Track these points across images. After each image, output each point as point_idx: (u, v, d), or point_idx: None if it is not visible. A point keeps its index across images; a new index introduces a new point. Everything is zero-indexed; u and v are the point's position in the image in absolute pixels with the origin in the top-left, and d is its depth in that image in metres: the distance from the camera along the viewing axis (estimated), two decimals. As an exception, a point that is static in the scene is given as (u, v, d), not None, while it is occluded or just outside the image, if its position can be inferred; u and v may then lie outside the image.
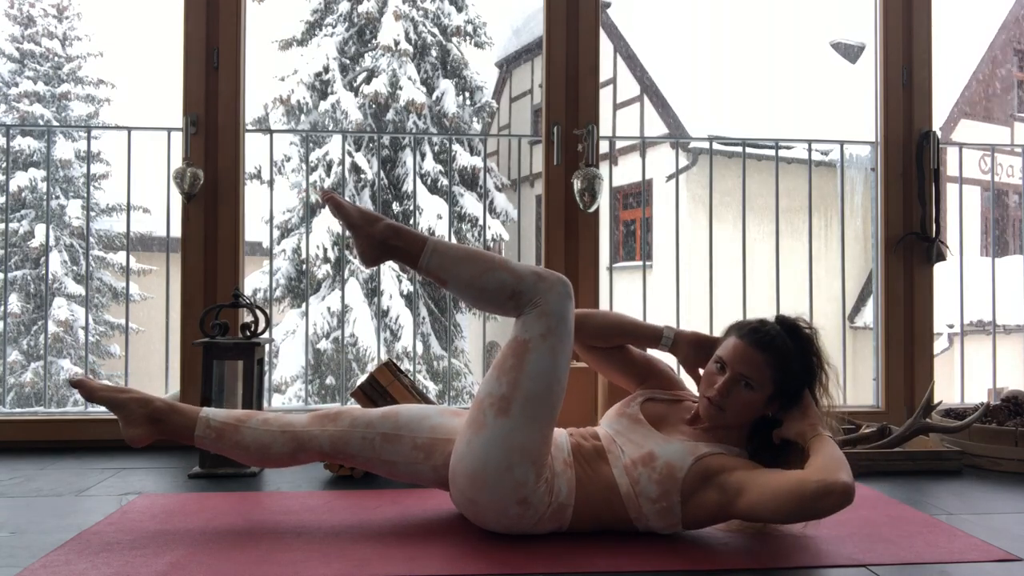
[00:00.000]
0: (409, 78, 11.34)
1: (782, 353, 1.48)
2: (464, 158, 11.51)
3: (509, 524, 1.43)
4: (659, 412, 1.56)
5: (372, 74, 11.47)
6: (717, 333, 2.81)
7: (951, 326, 8.37)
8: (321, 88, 11.48)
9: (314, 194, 10.84)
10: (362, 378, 1.98)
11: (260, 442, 1.53)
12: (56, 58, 13.06)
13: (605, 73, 5.49)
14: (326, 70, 11.43)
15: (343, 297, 3.24)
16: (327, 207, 1.56)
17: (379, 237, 1.52)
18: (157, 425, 1.54)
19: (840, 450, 1.39)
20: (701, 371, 1.59)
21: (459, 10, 12.19)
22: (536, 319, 1.44)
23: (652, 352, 1.76)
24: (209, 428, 1.53)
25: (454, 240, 10.57)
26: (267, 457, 1.54)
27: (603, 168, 2.51)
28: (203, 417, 1.54)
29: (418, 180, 11.23)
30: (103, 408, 2.44)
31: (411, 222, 10.47)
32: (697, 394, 1.57)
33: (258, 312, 2.06)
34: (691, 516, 1.43)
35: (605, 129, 4.84)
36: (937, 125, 2.67)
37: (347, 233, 1.56)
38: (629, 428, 1.53)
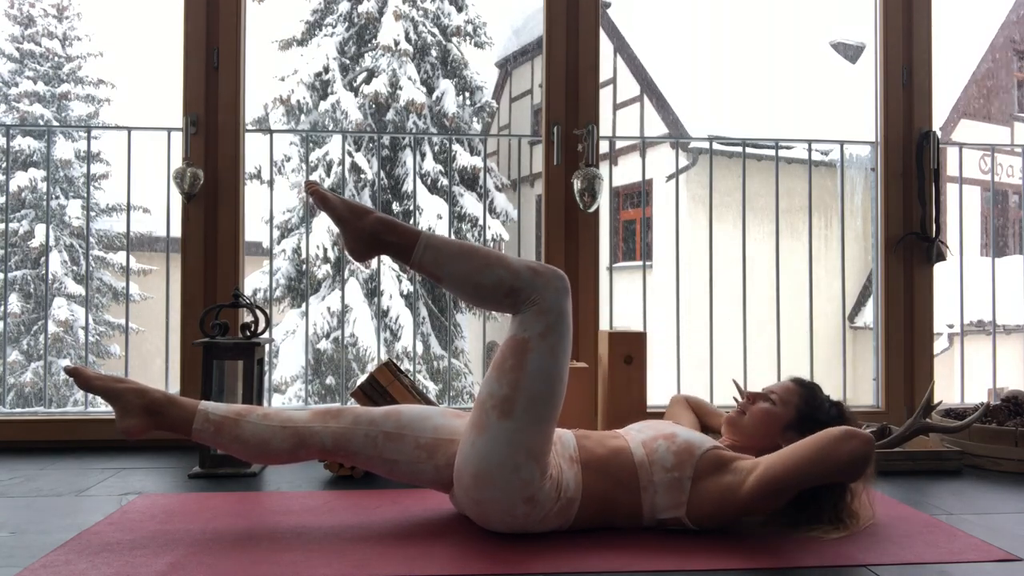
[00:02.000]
0: (409, 78, 11.34)
1: (815, 396, 1.63)
2: (464, 158, 11.51)
3: (514, 523, 1.43)
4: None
5: (372, 74, 11.47)
6: (717, 332, 2.81)
7: (951, 326, 8.37)
8: (321, 88, 11.48)
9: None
10: (362, 378, 1.97)
11: (260, 437, 1.50)
12: (56, 58, 13.06)
13: (605, 73, 5.49)
14: (326, 70, 11.43)
15: (343, 297, 3.24)
16: (312, 200, 1.51)
17: (369, 231, 1.48)
18: (154, 417, 1.49)
19: None
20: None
21: (459, 10, 12.19)
22: (534, 317, 1.43)
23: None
24: (208, 421, 1.50)
25: (462, 240, 10.54)
26: (266, 453, 1.51)
27: (603, 168, 2.51)
28: (202, 410, 1.51)
29: (418, 180, 11.22)
30: (103, 408, 2.46)
31: (411, 222, 10.45)
32: None
33: (258, 312, 2.06)
34: (697, 500, 1.44)
35: (605, 129, 4.85)
36: (937, 125, 2.66)
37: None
38: (655, 422, 1.62)
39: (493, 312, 1.67)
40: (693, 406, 1.98)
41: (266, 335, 2.08)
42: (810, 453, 1.36)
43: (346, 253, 1.55)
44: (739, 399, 1.97)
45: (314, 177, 10.77)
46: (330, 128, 11.21)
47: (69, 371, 1.52)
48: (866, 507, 1.50)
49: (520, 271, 1.45)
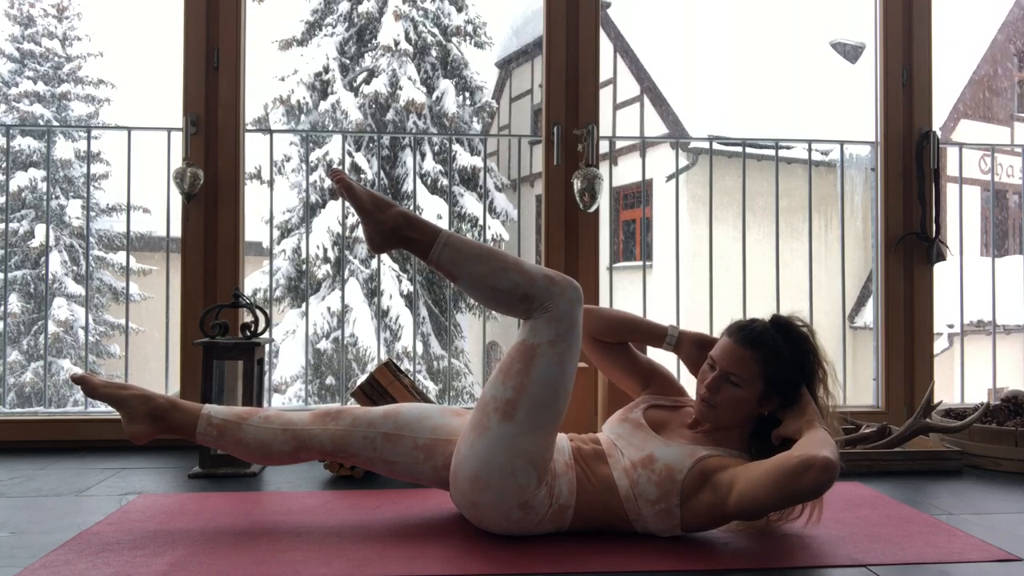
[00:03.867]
0: (409, 78, 11.34)
1: (769, 349, 1.48)
2: (464, 158, 11.51)
3: (510, 527, 1.43)
4: (661, 418, 1.58)
5: (372, 74, 11.48)
6: (717, 331, 2.81)
7: (951, 326, 8.37)
8: (321, 88, 11.48)
9: (314, 194, 10.83)
10: (362, 378, 1.98)
11: (261, 440, 1.53)
12: (56, 58, 13.06)
13: (605, 73, 5.49)
14: (326, 70, 11.43)
15: (343, 297, 3.24)
16: (336, 188, 1.53)
17: (390, 224, 1.50)
18: (159, 422, 1.53)
19: (830, 436, 1.38)
20: None
21: (459, 10, 12.19)
22: (546, 324, 1.44)
23: (655, 353, 1.80)
24: (211, 425, 1.53)
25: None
26: (268, 455, 1.54)
27: (603, 168, 2.52)
28: (205, 414, 1.54)
29: (418, 180, 11.23)
30: (103, 408, 2.46)
31: (411, 222, 10.46)
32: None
33: (258, 312, 2.06)
34: (689, 519, 1.43)
35: (605, 129, 4.85)
36: (937, 125, 2.66)
37: (356, 218, 1.53)
38: (630, 432, 1.53)
39: (495, 313, 1.62)
40: (609, 337, 1.69)
41: (266, 335, 2.08)
42: (774, 484, 1.30)
43: (359, 253, 1.54)
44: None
45: (314, 178, 10.76)
46: (330, 128, 11.21)
47: (76, 379, 1.56)
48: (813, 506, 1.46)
49: (536, 278, 1.46)
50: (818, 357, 1.51)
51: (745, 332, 1.50)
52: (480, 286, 1.47)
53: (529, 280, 1.45)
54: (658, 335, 1.67)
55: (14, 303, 11.41)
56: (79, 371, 1.56)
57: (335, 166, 10.64)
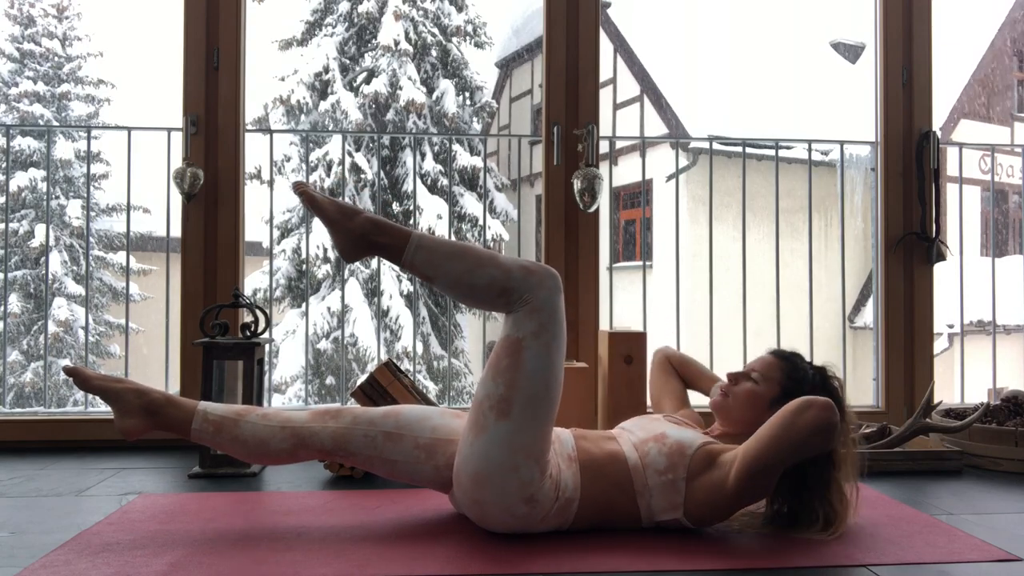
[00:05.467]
0: (409, 78, 11.34)
1: (797, 368, 1.58)
2: (464, 158, 11.51)
3: (514, 524, 1.43)
4: (677, 422, 1.66)
5: (372, 74, 11.47)
6: (717, 332, 2.81)
7: (951, 326, 8.37)
8: (321, 88, 11.48)
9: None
10: (362, 378, 1.98)
11: (259, 437, 1.50)
12: (56, 58, 13.06)
13: (605, 73, 5.49)
14: (326, 70, 11.43)
15: (343, 297, 3.24)
16: (300, 200, 1.51)
17: (359, 232, 1.47)
18: (153, 417, 1.49)
19: None
20: None
21: (459, 10, 12.19)
22: (527, 316, 1.43)
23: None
24: (207, 422, 1.50)
25: (453, 239, 10.52)
26: (266, 453, 1.51)
27: (603, 168, 2.51)
28: (201, 410, 1.51)
29: (418, 180, 11.22)
30: (103, 408, 2.46)
31: (411, 222, 10.48)
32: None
33: (258, 312, 2.06)
34: (693, 498, 1.44)
35: (605, 129, 4.85)
36: (937, 125, 2.66)
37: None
38: (645, 421, 1.61)
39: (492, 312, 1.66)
40: (678, 367, 1.91)
41: (266, 335, 2.08)
42: (776, 430, 1.36)
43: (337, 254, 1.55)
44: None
45: (314, 177, 10.76)
46: (330, 128, 11.21)
47: (68, 371, 1.52)
48: (850, 506, 1.48)
49: (512, 270, 1.44)
50: (842, 408, 1.48)
51: (784, 350, 1.63)
52: (457, 285, 1.45)
53: (505, 273, 1.44)
54: (712, 380, 1.84)
55: (14, 303, 11.40)
56: (70, 364, 1.55)
57: (335, 167, 10.69)
